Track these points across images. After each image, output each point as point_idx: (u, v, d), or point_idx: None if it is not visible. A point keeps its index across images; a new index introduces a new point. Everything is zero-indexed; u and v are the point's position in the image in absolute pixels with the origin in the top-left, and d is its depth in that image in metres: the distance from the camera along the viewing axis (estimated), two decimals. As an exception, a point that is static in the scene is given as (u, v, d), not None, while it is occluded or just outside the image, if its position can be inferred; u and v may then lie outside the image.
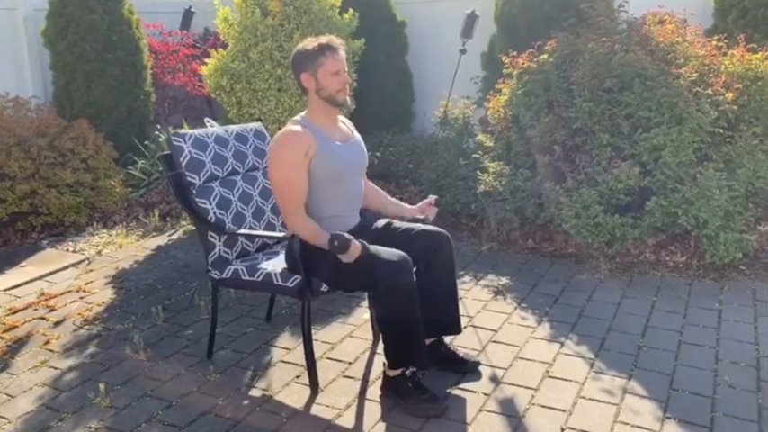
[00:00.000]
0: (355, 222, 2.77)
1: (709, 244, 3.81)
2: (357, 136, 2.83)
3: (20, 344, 3.19)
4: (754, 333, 3.10)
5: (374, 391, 2.68)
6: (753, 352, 2.92)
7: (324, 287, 2.62)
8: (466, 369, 2.81)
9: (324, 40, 2.60)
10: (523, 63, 4.55)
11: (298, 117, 2.66)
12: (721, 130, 3.98)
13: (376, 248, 2.50)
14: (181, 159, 2.81)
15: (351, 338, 3.14)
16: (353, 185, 2.74)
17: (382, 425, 2.46)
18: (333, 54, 2.57)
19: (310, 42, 2.60)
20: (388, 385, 2.62)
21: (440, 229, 2.77)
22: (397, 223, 2.83)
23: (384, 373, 2.64)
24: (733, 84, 4.02)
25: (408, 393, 2.55)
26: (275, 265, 2.75)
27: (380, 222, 2.86)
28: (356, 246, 2.39)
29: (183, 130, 2.92)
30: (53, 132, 5.09)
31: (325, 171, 2.59)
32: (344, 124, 2.79)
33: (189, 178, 2.82)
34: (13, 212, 4.71)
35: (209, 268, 2.83)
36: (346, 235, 2.39)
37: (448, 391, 2.66)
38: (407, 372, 2.57)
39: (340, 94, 2.60)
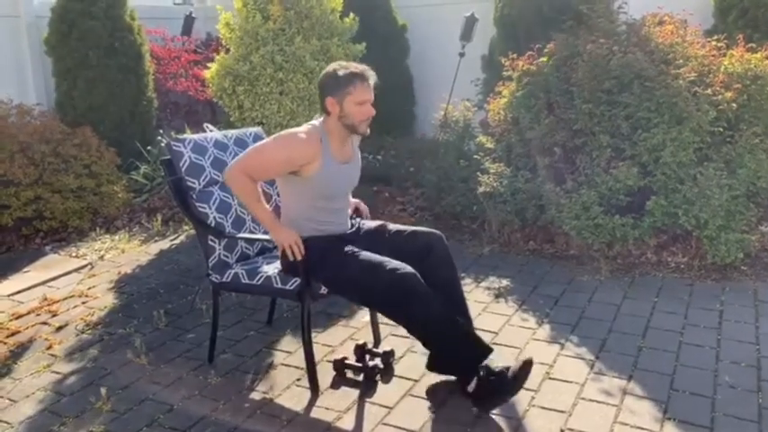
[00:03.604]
0: (346, 228, 2.78)
1: (711, 244, 3.81)
2: (358, 154, 2.83)
3: (22, 349, 3.21)
4: (755, 333, 3.09)
5: (374, 393, 2.69)
6: (754, 352, 2.92)
7: (323, 290, 2.64)
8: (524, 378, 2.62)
9: (355, 68, 2.58)
10: (523, 66, 4.56)
11: (319, 126, 2.64)
12: (721, 130, 3.98)
13: (374, 269, 2.49)
14: (181, 164, 2.83)
15: (351, 341, 3.14)
16: (343, 200, 2.79)
17: (382, 427, 2.46)
18: (362, 83, 2.56)
19: (342, 68, 2.58)
20: (479, 396, 2.50)
21: (432, 230, 2.76)
22: (390, 226, 2.82)
23: (464, 391, 2.53)
24: (732, 83, 4.02)
25: (498, 387, 2.46)
26: (275, 268, 2.76)
27: (371, 225, 2.85)
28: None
29: (182, 135, 2.94)
30: (56, 139, 5.12)
31: (321, 188, 2.63)
32: (352, 139, 2.76)
33: (189, 183, 2.84)
34: (18, 218, 4.74)
35: (210, 272, 2.85)
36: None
37: (449, 392, 2.66)
38: (481, 373, 2.48)
39: (362, 125, 2.61)
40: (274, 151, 2.58)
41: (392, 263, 2.49)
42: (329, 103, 2.58)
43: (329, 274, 2.60)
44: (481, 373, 2.47)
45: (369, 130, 2.67)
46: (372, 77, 2.61)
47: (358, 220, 2.89)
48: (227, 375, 2.89)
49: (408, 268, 2.48)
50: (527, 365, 2.49)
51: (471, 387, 2.49)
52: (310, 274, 2.61)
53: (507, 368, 2.48)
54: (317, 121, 2.69)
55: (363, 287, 2.54)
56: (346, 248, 2.60)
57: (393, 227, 2.82)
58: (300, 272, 2.59)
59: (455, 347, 2.52)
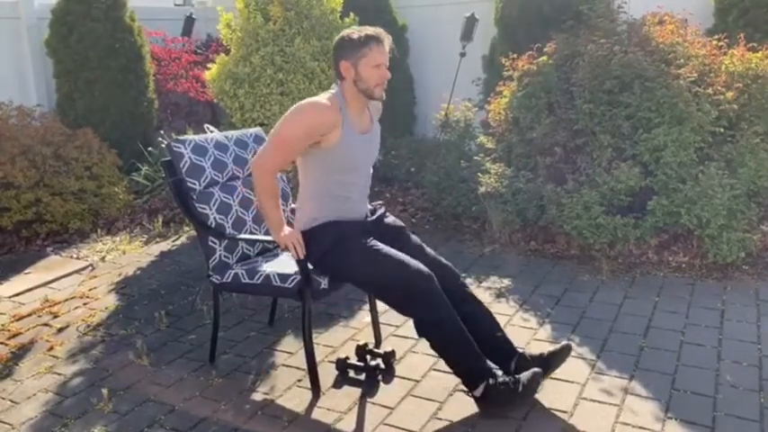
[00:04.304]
0: (366, 210, 2.75)
1: (712, 243, 3.80)
2: (377, 124, 2.77)
3: (24, 350, 3.21)
4: (757, 333, 3.09)
5: (375, 393, 2.69)
6: (755, 352, 2.91)
7: (324, 286, 2.62)
8: (560, 359, 2.66)
9: (370, 31, 2.53)
10: (523, 65, 4.56)
11: (336, 92, 2.57)
12: (722, 130, 3.98)
13: (394, 263, 2.48)
14: (181, 165, 2.83)
15: (353, 342, 3.14)
16: (362, 174, 2.71)
17: (383, 428, 2.46)
18: (378, 46, 2.51)
19: (356, 31, 2.53)
20: (485, 402, 2.48)
21: (447, 263, 2.70)
22: (413, 237, 2.76)
23: (470, 396, 2.52)
24: (733, 83, 4.02)
25: (509, 396, 2.43)
26: (275, 267, 2.76)
27: (392, 221, 2.80)
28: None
29: (183, 136, 2.94)
30: (57, 141, 5.13)
31: (342, 158, 2.57)
32: (369, 110, 2.72)
33: (189, 184, 2.84)
34: (18, 220, 4.74)
35: (210, 273, 2.85)
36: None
37: (450, 394, 2.67)
38: (491, 381, 2.44)
39: (378, 89, 2.55)
40: (297, 123, 2.49)
41: (414, 262, 2.48)
42: (344, 67, 2.52)
43: (345, 260, 2.55)
44: (490, 381, 2.44)
45: (384, 95, 2.60)
46: (387, 40, 2.55)
47: (383, 209, 2.81)
48: (228, 376, 2.89)
49: (427, 270, 2.47)
50: (537, 377, 2.47)
51: (478, 392, 2.47)
52: (324, 258, 2.57)
53: (517, 379, 2.46)
54: (333, 89, 2.60)
55: (380, 279, 2.51)
56: (367, 239, 2.55)
57: (414, 239, 2.75)
58: (300, 268, 2.57)
59: (464, 355, 2.48)
